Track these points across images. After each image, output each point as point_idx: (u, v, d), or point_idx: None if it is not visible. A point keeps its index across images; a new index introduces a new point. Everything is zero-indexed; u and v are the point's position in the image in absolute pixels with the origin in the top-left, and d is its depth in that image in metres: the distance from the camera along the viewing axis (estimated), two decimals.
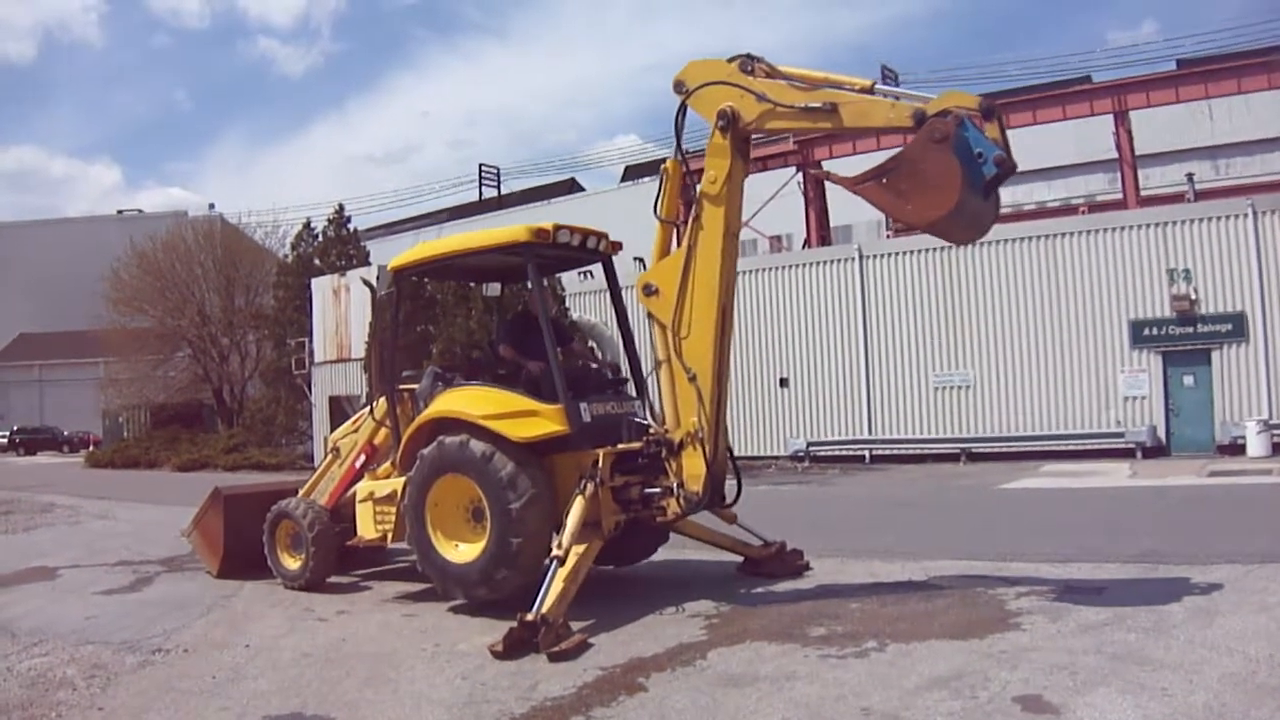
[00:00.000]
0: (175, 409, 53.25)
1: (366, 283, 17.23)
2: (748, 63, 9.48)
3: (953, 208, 8.42)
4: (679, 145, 10.04)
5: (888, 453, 31.47)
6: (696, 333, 9.71)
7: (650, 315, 10.08)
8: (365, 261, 44.59)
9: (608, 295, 12.12)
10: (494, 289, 14.80)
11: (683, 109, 9.83)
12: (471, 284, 24.15)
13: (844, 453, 32.01)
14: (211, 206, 66.77)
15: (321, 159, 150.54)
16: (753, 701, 6.81)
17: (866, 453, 31.74)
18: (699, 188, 9.74)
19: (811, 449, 32.39)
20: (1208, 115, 40.64)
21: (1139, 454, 27.26)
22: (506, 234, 10.72)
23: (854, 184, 9.20)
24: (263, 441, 43.82)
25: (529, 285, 11.09)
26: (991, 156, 8.21)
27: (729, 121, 9.44)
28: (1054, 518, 16.51)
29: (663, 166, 10.33)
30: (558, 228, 10.46)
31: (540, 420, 9.96)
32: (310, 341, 41.57)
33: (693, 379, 9.68)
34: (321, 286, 40.92)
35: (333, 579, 11.94)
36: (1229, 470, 22.77)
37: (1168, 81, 35.69)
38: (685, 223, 10.07)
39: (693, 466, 9.81)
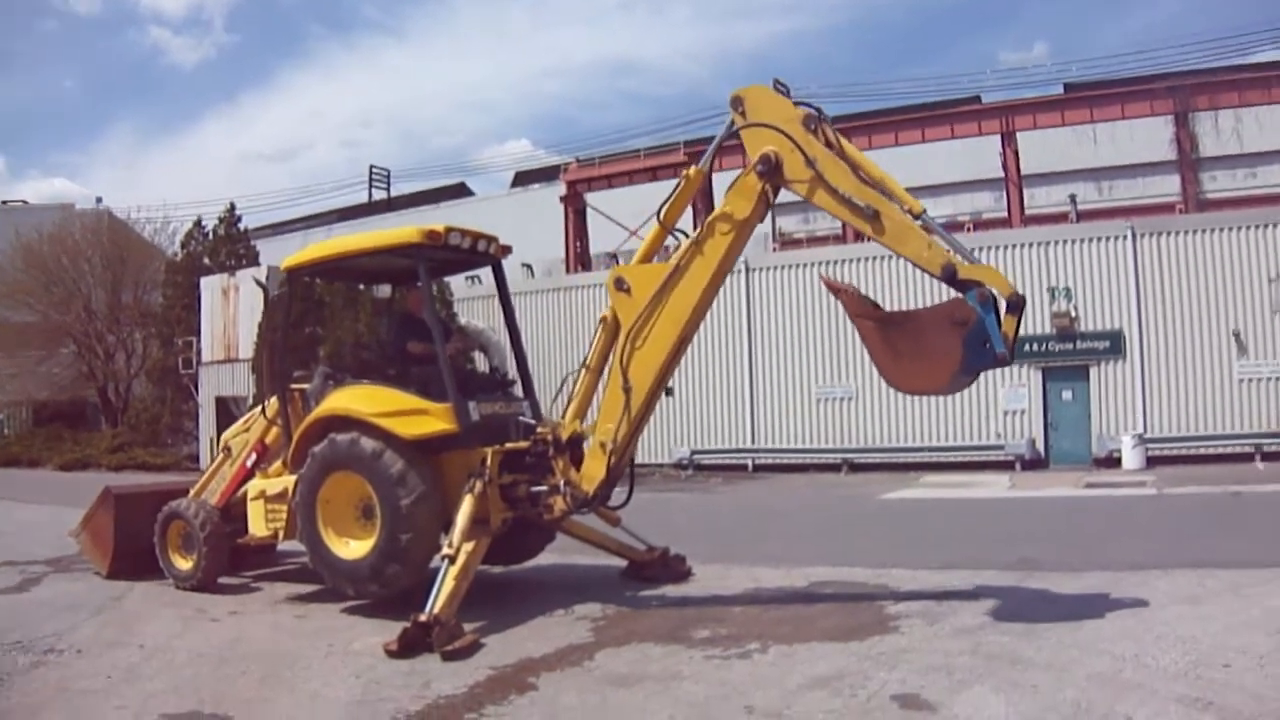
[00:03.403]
0: (58, 407, 51.68)
1: (259, 282, 17.13)
2: (814, 120, 9.02)
3: (938, 389, 8.63)
4: (711, 159, 9.96)
5: (770, 462, 31.66)
6: (651, 348, 9.60)
7: (610, 314, 9.98)
8: (255, 261, 43.89)
9: (496, 300, 12.23)
10: (384, 291, 14.83)
11: (731, 126, 9.46)
12: (362, 285, 23.97)
13: (727, 461, 32.16)
14: (99, 200, 64.71)
15: (212, 154, 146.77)
16: (640, 699, 7.00)
17: (749, 462, 31.99)
18: (713, 215, 9.47)
19: (695, 457, 32.61)
20: (1092, 139, 41.68)
21: (1018, 466, 27.96)
22: (399, 235, 10.78)
23: (854, 312, 9.18)
24: (148, 441, 42.82)
25: (419, 286, 11.13)
26: (995, 353, 8.19)
27: (769, 169, 9.08)
28: (933, 527, 16.98)
29: (685, 173, 10.04)
30: (449, 230, 10.53)
31: (430, 419, 10.06)
32: (198, 341, 40.88)
33: (626, 390, 9.62)
34: (211, 286, 40.30)
35: (224, 580, 11.85)
36: (1104, 482, 23.59)
37: (1054, 105, 36.90)
38: (665, 227, 9.99)
39: (593, 469, 9.91)
